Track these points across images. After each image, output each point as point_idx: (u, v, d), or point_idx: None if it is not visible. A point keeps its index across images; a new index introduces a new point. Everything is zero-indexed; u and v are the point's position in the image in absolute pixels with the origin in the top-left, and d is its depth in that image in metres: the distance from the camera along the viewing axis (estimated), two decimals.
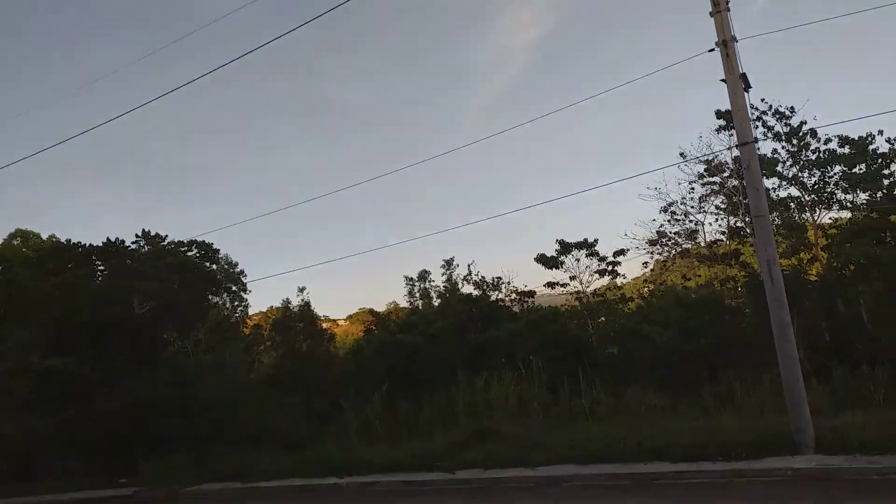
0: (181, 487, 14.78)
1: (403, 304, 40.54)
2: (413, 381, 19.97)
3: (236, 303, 33.33)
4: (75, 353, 21.58)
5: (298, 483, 13.65)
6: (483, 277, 24.35)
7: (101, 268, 21.64)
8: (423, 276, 35.04)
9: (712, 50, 11.33)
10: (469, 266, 24.88)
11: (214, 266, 25.73)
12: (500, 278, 24.58)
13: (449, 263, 32.99)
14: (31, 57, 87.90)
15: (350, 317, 58.31)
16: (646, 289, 30.04)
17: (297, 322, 34.25)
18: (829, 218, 26.06)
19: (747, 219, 27.51)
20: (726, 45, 11.12)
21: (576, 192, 35.01)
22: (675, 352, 19.09)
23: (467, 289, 24.66)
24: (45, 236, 29.70)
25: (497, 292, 24.24)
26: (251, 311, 36.59)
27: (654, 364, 18.86)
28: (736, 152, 26.08)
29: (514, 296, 25.16)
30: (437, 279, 33.18)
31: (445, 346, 21.12)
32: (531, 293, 26.99)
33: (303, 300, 33.52)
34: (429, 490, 11.71)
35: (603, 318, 25.63)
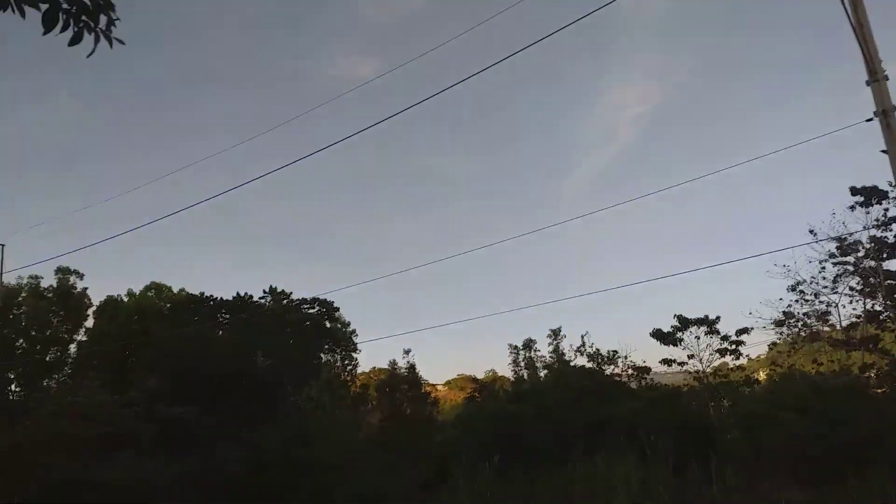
0: None
1: (505, 372, 39.85)
2: (524, 454, 19.31)
3: (346, 362, 33.86)
4: (197, 403, 22.41)
5: None
6: (598, 350, 23.62)
7: (227, 320, 22.63)
8: (529, 344, 34.55)
9: (870, 119, 10.69)
10: (583, 337, 24.25)
11: (333, 324, 26.32)
12: (615, 352, 23.75)
13: (556, 333, 32.42)
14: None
15: (448, 382, 58.12)
16: (769, 371, 28.18)
17: (402, 384, 34.31)
18: None
19: (888, 302, 25.55)
20: (886, 114, 10.46)
21: (700, 268, 33.81)
22: (813, 442, 17.57)
23: (580, 360, 23.96)
24: (176, 290, 31.58)
25: (613, 366, 23.37)
26: (358, 371, 37.06)
27: (789, 454, 17.41)
28: (872, 231, 24.49)
29: (630, 371, 24.20)
30: (543, 349, 32.57)
31: (559, 419, 20.40)
32: (647, 369, 25.93)
33: (408, 362, 33.61)
34: None
35: (726, 401, 24.14)
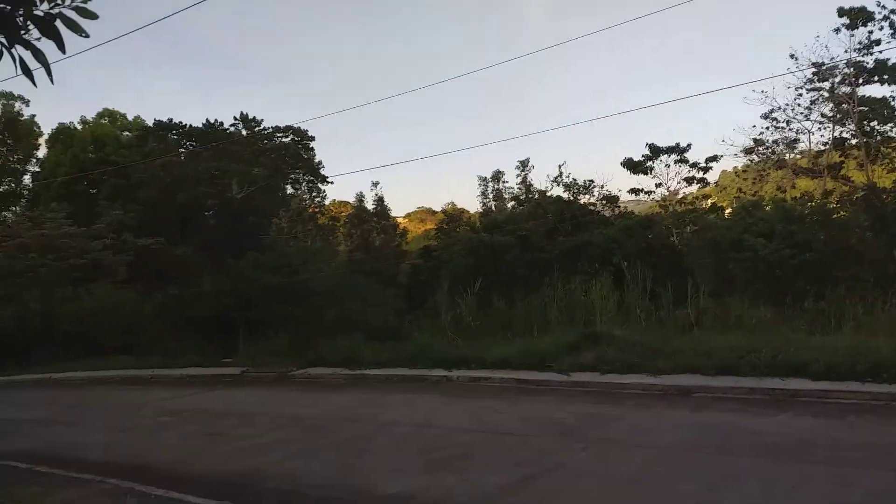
0: (289, 370, 15.18)
1: (465, 204, 39.90)
2: (503, 281, 19.84)
3: (314, 193, 33.41)
4: (167, 235, 22.05)
5: (405, 373, 13.83)
6: (574, 180, 23.63)
7: (196, 148, 21.58)
8: (497, 176, 34.47)
9: None
10: (560, 167, 24.16)
11: (309, 154, 25.43)
12: (591, 181, 23.84)
13: (524, 164, 32.28)
14: None
15: (408, 215, 58.69)
16: (736, 198, 28.91)
17: (371, 216, 34.39)
18: None
19: (853, 129, 25.80)
20: None
21: (674, 100, 33.43)
22: (779, 265, 18.41)
23: (556, 190, 24.02)
24: (131, 117, 29.84)
25: (588, 195, 23.56)
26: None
27: (757, 276, 18.27)
28: (854, 55, 24.13)
29: (602, 201, 24.49)
30: (512, 180, 32.54)
31: (536, 247, 20.81)
32: (615, 198, 26.27)
33: (376, 195, 33.47)
34: (545, 390, 11.64)
35: (691, 227, 24.80)
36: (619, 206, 24.64)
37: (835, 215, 19.65)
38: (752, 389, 10.00)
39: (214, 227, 20.07)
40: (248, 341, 17.64)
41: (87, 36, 3.19)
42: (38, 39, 3.11)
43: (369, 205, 33.61)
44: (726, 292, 17.38)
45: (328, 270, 19.67)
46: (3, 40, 3.05)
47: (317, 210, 34.87)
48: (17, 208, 31.91)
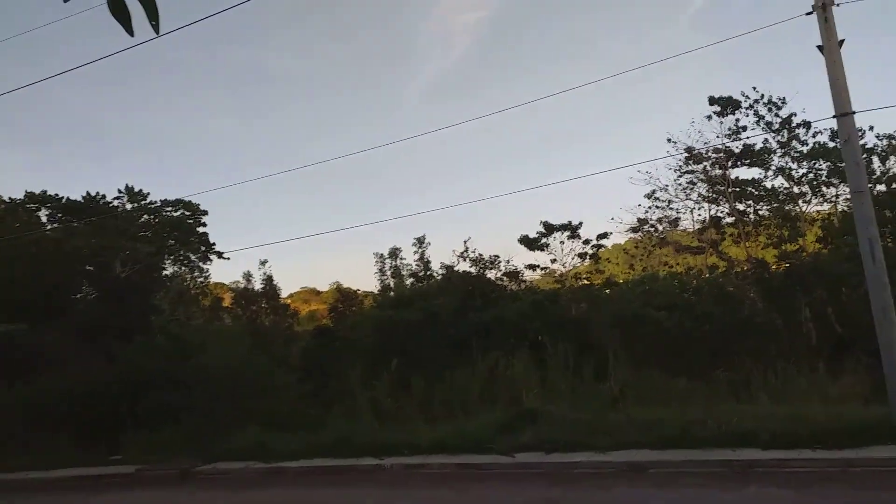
0: (192, 465, 13.39)
1: (367, 282, 38.93)
2: (413, 360, 19.05)
3: (195, 273, 31.34)
4: (35, 318, 19.51)
5: (329, 463, 12.59)
6: (480, 255, 23.55)
7: (74, 224, 19.42)
8: (395, 253, 34.06)
9: (810, 13, 10.83)
10: (465, 243, 24.05)
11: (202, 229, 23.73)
12: (497, 256, 23.88)
13: (421, 241, 32.09)
14: None
15: (291, 295, 56.87)
16: (626, 273, 30.07)
17: (259, 297, 32.77)
18: (816, 210, 26.63)
19: (727, 208, 27.81)
20: (825, 7, 10.63)
21: (566, 180, 34.63)
22: (684, 337, 18.99)
23: (462, 266, 23.77)
24: None
25: (495, 270, 23.54)
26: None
27: (664, 349, 18.69)
28: (725, 140, 26.25)
29: (507, 276, 24.56)
30: (409, 257, 32.26)
31: (446, 323, 20.28)
32: (517, 273, 26.49)
33: (265, 274, 32.01)
34: (490, 474, 10.89)
35: (584, 304, 25.28)
36: (525, 281, 24.81)
37: (730, 288, 20.69)
38: (707, 462, 9.82)
39: (94, 309, 17.93)
40: (135, 435, 15.57)
41: None
42: None
43: (257, 284, 32.08)
44: (635, 365, 17.57)
45: (231, 352, 18.05)
46: None
47: (198, 291, 32.76)
48: None
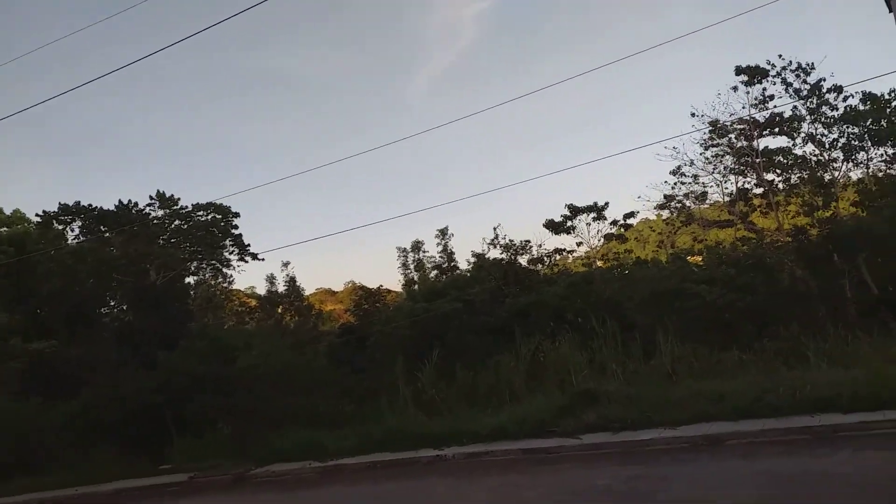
0: (246, 469, 13.14)
1: (391, 277, 38.59)
2: (453, 351, 18.76)
3: (219, 279, 31.16)
4: (69, 333, 19.34)
5: (388, 458, 12.29)
6: (511, 241, 23.20)
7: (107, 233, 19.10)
8: (417, 246, 33.78)
9: None
10: (495, 229, 23.73)
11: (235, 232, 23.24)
12: (528, 241, 23.53)
13: (444, 233, 31.81)
14: None
15: (308, 297, 56.76)
16: (655, 251, 29.67)
17: (283, 298, 32.69)
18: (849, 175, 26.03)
19: (755, 179, 27.29)
20: None
21: (589, 161, 34.31)
22: (727, 309, 18.55)
23: (493, 253, 23.40)
24: (8, 211, 26.38)
25: (528, 255, 23.21)
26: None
27: (707, 322, 18.28)
28: (752, 111, 25.73)
29: (536, 261, 24.25)
30: (432, 250, 32.01)
31: (483, 311, 19.96)
32: (547, 257, 26.20)
33: (288, 275, 31.86)
34: (559, 457, 10.57)
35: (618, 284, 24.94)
36: (557, 265, 24.48)
37: (767, 259, 20.25)
38: (788, 430, 9.45)
39: (131, 318, 17.70)
40: (181, 442, 15.35)
41: None
42: None
43: (280, 286, 31.97)
44: (680, 340, 17.20)
45: (271, 353, 17.81)
46: None
47: (223, 296, 32.62)
48: None
